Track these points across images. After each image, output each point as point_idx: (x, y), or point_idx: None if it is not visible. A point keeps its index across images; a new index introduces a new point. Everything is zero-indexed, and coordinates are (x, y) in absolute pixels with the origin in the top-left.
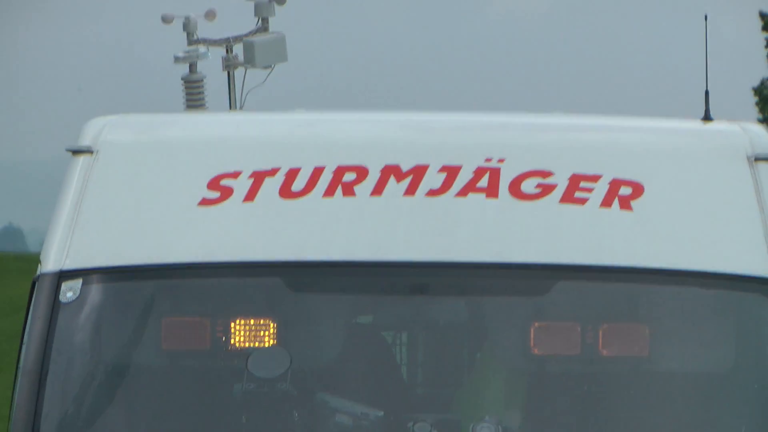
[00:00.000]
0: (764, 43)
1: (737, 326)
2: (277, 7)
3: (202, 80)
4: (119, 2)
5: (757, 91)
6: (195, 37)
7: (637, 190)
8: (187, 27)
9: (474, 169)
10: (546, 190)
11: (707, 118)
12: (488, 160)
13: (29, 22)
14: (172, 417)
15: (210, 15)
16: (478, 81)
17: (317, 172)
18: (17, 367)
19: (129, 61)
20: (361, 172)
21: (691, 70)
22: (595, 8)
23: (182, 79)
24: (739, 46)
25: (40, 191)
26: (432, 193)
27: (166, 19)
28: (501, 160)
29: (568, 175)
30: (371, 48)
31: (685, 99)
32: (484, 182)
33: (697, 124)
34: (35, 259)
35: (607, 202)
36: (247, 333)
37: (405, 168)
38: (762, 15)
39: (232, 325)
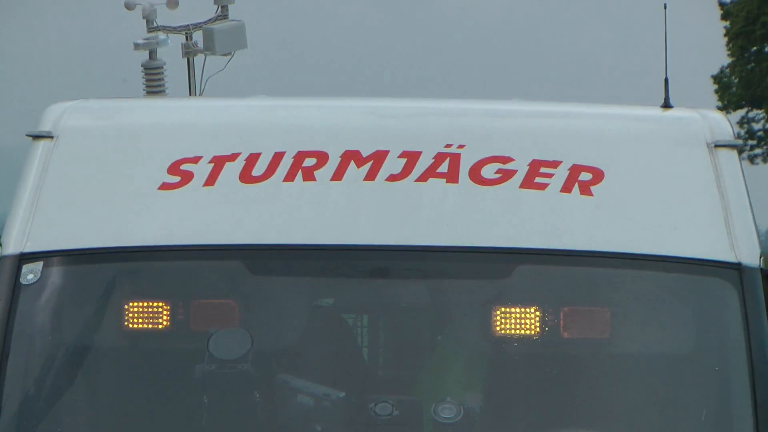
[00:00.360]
0: (723, 31)
1: (697, 310)
2: None
3: (161, 67)
4: None
5: (716, 78)
6: (154, 24)
7: (598, 175)
8: (147, 14)
9: (434, 155)
10: (506, 175)
11: (667, 105)
12: (448, 146)
13: None
14: (134, 398)
15: (171, 3)
16: (441, 69)
17: (277, 157)
18: None
19: (89, 47)
20: (322, 158)
21: (651, 57)
22: None
23: (142, 65)
24: (698, 34)
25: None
26: (392, 178)
27: (128, 6)
28: (461, 146)
29: (528, 161)
30: (331, 35)
31: (644, 86)
32: (444, 167)
33: (657, 111)
34: None
35: (567, 188)
36: (208, 315)
37: (365, 153)
38: (721, 4)
39: (193, 307)
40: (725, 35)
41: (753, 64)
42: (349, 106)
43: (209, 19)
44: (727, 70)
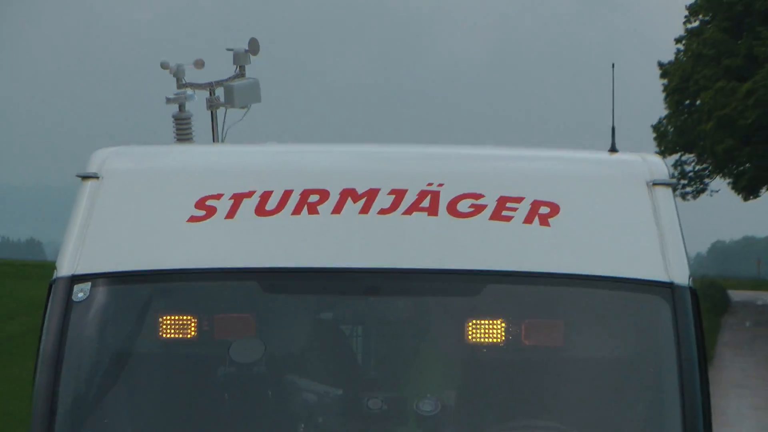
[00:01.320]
0: (662, 87)
1: (637, 321)
2: (252, 57)
3: (189, 118)
4: (121, 52)
5: (656, 128)
6: (183, 81)
7: (554, 209)
8: (177, 73)
9: (418, 192)
10: (478, 209)
11: (613, 149)
12: (430, 184)
13: (48, 62)
14: (168, 395)
15: (198, 64)
16: (427, 117)
17: (287, 194)
18: (37, 356)
19: (128, 101)
20: (324, 194)
21: (600, 109)
22: (524, 58)
23: (173, 116)
24: (640, 89)
25: (56, 210)
26: (383, 211)
27: (163, 65)
28: (440, 185)
29: (497, 197)
30: (334, 89)
31: (595, 134)
32: (426, 203)
33: (605, 155)
34: (52, 266)
35: (529, 219)
36: (229, 326)
37: (360, 191)
38: (660, 64)
39: (216, 320)
40: (663, 91)
41: (686, 116)
42: (348, 150)
43: (229, 77)
44: (665, 121)
